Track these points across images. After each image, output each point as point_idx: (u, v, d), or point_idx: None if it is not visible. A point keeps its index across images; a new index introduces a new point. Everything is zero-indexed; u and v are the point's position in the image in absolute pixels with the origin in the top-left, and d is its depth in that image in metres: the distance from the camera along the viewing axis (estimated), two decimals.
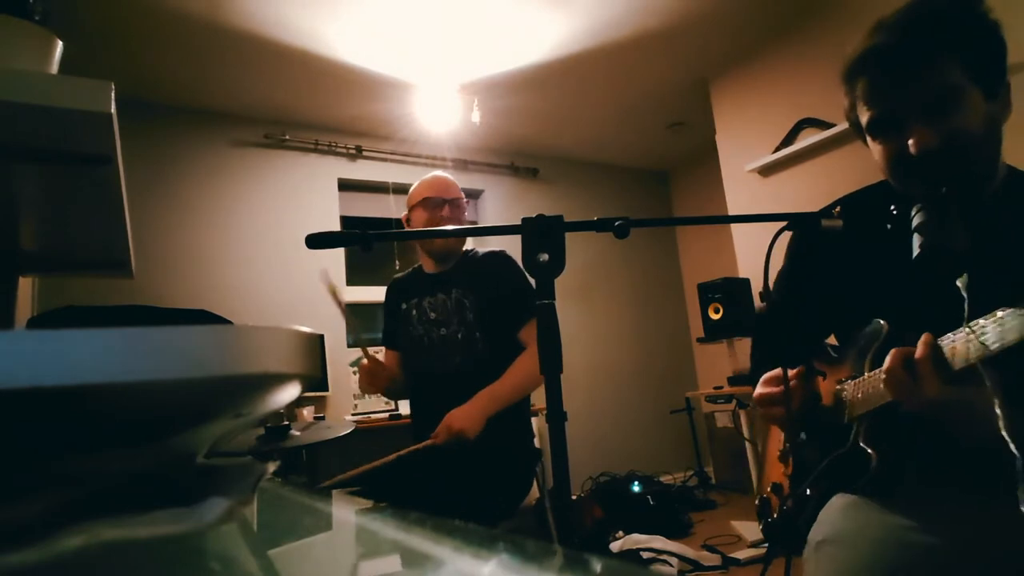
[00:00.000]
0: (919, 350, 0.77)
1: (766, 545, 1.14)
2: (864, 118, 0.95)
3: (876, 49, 0.90)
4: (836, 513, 0.88)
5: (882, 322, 0.93)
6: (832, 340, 1.14)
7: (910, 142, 0.87)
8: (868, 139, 0.98)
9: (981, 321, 0.72)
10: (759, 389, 1.01)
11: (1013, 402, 0.72)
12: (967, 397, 0.75)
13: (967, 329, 0.73)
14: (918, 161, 0.88)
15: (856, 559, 0.79)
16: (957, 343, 0.75)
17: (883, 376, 0.80)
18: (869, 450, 0.88)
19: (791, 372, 0.96)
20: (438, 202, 1.76)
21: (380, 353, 1.90)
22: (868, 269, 1.01)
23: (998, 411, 0.70)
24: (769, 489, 1.10)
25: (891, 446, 0.87)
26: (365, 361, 1.71)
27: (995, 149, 0.91)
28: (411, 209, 1.82)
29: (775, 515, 1.06)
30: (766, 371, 1.04)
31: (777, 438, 1.12)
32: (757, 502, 1.13)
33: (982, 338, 0.71)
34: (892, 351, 0.80)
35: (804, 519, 0.95)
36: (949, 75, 0.86)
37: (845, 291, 1.03)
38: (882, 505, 0.84)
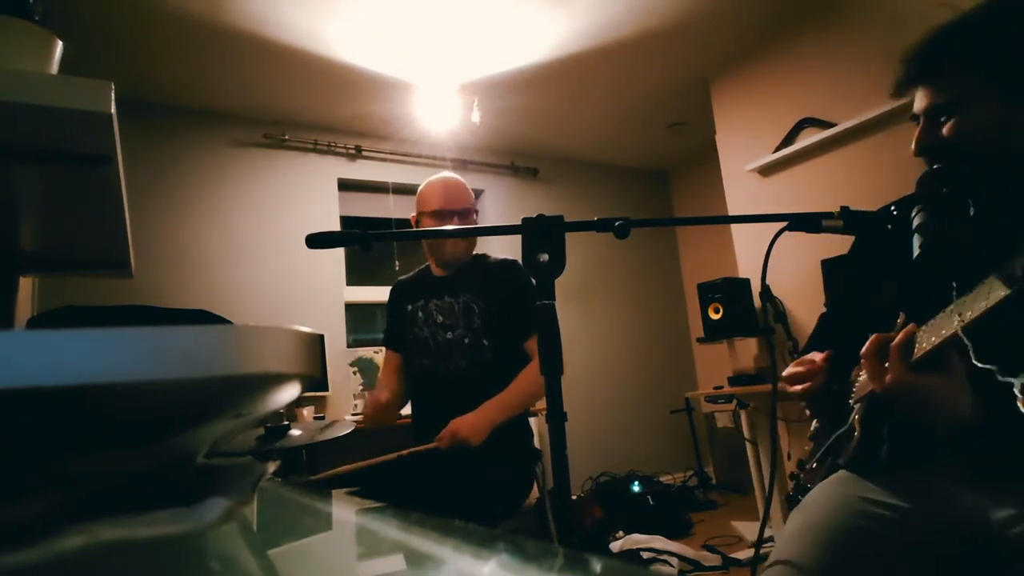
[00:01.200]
0: (897, 337, 0.81)
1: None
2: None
3: (910, 50, 0.95)
4: (820, 487, 0.98)
5: (902, 314, 0.95)
6: None
7: (916, 138, 0.93)
8: None
9: (949, 309, 0.76)
10: (788, 369, 1.07)
11: (976, 388, 0.77)
12: (919, 385, 0.79)
13: (938, 318, 0.78)
14: (922, 157, 0.93)
15: (812, 520, 0.90)
16: (920, 332, 0.80)
17: (862, 359, 0.85)
18: (855, 429, 0.96)
19: (818, 356, 1.03)
20: (449, 214, 1.73)
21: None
22: (888, 268, 1.06)
23: (956, 397, 0.77)
24: (796, 466, 1.17)
25: (871, 426, 0.94)
26: (365, 406, 1.70)
27: (1011, 150, 0.90)
28: (422, 215, 1.78)
29: (791, 490, 1.14)
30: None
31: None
32: (790, 476, 1.20)
33: (942, 326, 0.75)
34: (872, 336, 0.84)
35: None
36: (956, 86, 0.88)
37: (867, 290, 1.09)
38: (859, 478, 0.94)
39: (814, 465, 1.05)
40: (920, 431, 0.86)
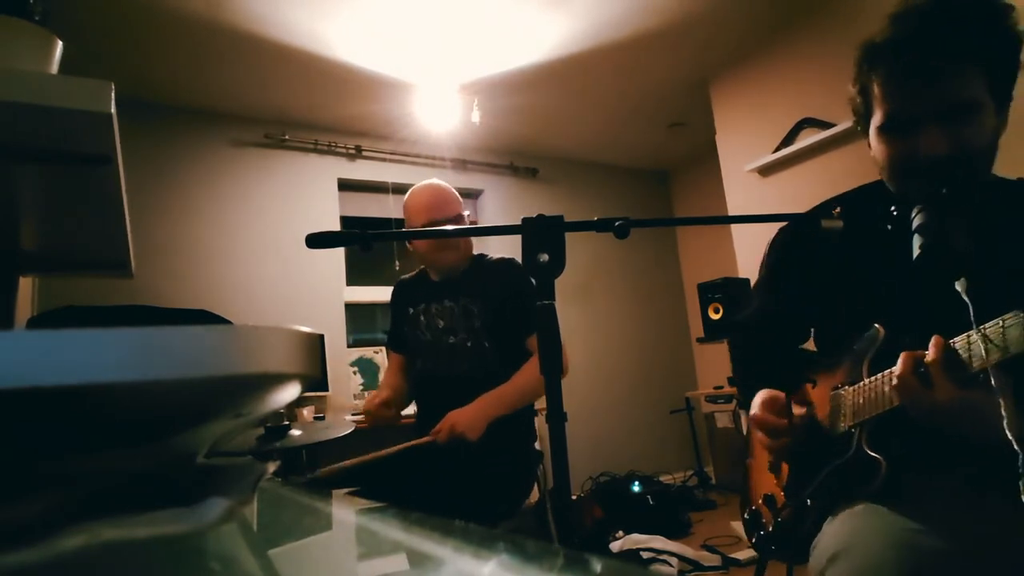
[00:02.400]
0: (932, 353, 0.76)
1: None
2: (878, 113, 0.92)
3: (901, 43, 0.86)
4: (846, 523, 0.85)
5: (877, 326, 0.92)
6: (809, 345, 1.13)
7: (920, 144, 0.86)
8: (874, 134, 0.94)
9: (990, 324, 0.72)
10: (759, 412, 0.99)
11: (1021, 404, 0.72)
12: (971, 400, 0.75)
13: (979, 332, 0.73)
14: (924, 165, 0.86)
15: (869, 567, 0.77)
16: (972, 346, 0.74)
17: (894, 381, 0.79)
18: (875, 456, 0.86)
19: (782, 398, 0.96)
20: (438, 224, 1.70)
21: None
22: (864, 270, 0.99)
23: (1003, 412, 0.70)
24: (760, 501, 1.07)
25: (899, 450, 0.85)
26: (366, 405, 1.67)
27: (992, 161, 0.91)
28: (412, 229, 1.74)
29: (770, 527, 1.03)
30: (755, 381, 1.04)
31: (761, 449, 1.10)
32: (746, 515, 1.10)
33: (996, 341, 0.71)
34: (903, 355, 0.79)
35: (805, 529, 0.93)
36: (971, 87, 0.84)
37: (837, 293, 1.01)
38: (889, 510, 0.82)
39: (808, 502, 0.95)
40: (951, 449, 0.81)
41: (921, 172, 0.88)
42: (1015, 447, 0.69)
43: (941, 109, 0.85)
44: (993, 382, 0.72)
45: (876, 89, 0.91)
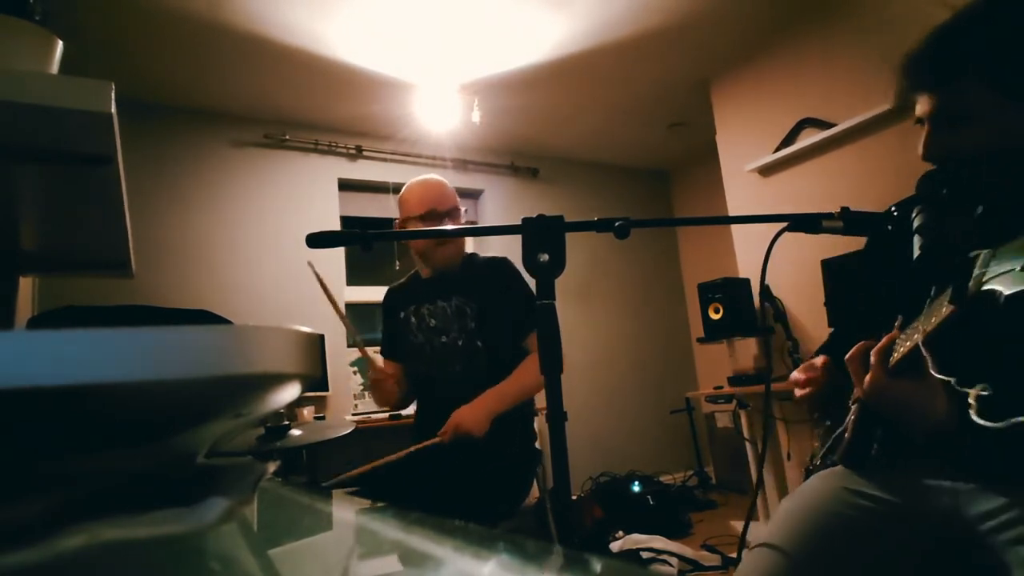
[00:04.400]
0: (879, 343, 0.85)
1: None
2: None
3: (910, 57, 0.93)
4: (813, 476, 1.02)
5: (900, 317, 0.97)
6: None
7: (923, 144, 0.92)
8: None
9: (920, 317, 0.78)
10: (794, 374, 1.10)
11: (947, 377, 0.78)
12: (899, 389, 0.83)
13: (913, 325, 0.80)
14: (929, 162, 0.93)
15: (798, 507, 0.94)
16: (904, 332, 0.82)
17: (846, 364, 0.89)
18: (841, 428, 1.01)
19: (819, 361, 1.07)
20: (439, 215, 1.70)
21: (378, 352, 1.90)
22: (888, 269, 1.07)
23: (934, 393, 0.79)
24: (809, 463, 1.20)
25: (865, 426, 0.97)
26: (370, 373, 1.67)
27: (1010, 152, 0.90)
28: (408, 220, 1.73)
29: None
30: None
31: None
32: (803, 472, 1.22)
33: (921, 326, 0.77)
34: (858, 343, 0.89)
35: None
36: (963, 96, 0.86)
37: (856, 296, 1.13)
38: (851, 473, 0.97)
39: (817, 462, 1.09)
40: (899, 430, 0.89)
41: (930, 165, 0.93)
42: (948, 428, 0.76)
43: (933, 115, 0.90)
44: (925, 374, 0.78)
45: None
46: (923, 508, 0.88)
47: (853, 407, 1.00)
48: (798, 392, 1.08)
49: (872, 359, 0.84)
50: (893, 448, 0.93)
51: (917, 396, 0.80)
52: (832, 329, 1.30)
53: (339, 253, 3.66)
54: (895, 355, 0.82)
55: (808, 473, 1.14)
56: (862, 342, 0.89)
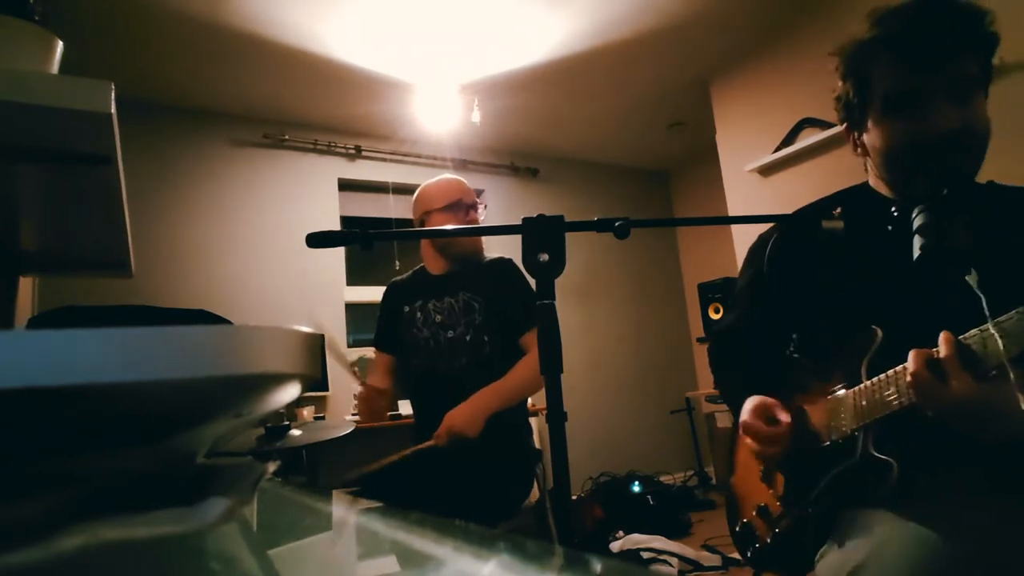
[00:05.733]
0: (945, 349, 0.75)
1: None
2: (879, 95, 0.92)
3: (906, 29, 0.89)
4: (862, 534, 0.83)
5: (875, 328, 0.91)
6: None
7: (933, 120, 0.87)
8: (875, 120, 0.94)
9: (1004, 318, 0.72)
10: (749, 419, 0.95)
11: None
12: (988, 395, 0.74)
13: (992, 326, 0.72)
14: (935, 143, 0.87)
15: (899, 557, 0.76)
16: (987, 340, 0.74)
17: (909, 378, 0.78)
18: (885, 458, 0.84)
19: (784, 416, 0.92)
20: (464, 206, 1.72)
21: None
22: (862, 272, 0.98)
23: (1023, 406, 0.70)
24: (754, 513, 1.03)
25: (910, 450, 0.83)
26: (360, 390, 1.65)
27: (983, 157, 0.91)
28: (431, 212, 1.74)
29: (767, 540, 1.00)
30: (742, 388, 1.02)
31: (750, 458, 1.05)
32: (737, 529, 1.07)
33: (1013, 334, 0.71)
34: (913, 352, 0.78)
35: (807, 539, 0.91)
36: (973, 68, 0.87)
37: (831, 295, 1.00)
38: (904, 516, 0.80)
39: (809, 511, 0.93)
40: (967, 447, 0.79)
41: (930, 153, 0.88)
42: None
43: (953, 86, 0.86)
44: (1012, 376, 0.71)
45: (879, 73, 0.93)
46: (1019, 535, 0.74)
47: (858, 435, 0.88)
48: (759, 448, 0.94)
49: (953, 367, 0.74)
50: (950, 472, 0.83)
51: (1009, 400, 0.71)
52: (752, 285, 1.16)
53: (339, 253, 3.66)
54: (988, 357, 0.74)
55: (776, 526, 0.98)
56: (918, 351, 0.78)
